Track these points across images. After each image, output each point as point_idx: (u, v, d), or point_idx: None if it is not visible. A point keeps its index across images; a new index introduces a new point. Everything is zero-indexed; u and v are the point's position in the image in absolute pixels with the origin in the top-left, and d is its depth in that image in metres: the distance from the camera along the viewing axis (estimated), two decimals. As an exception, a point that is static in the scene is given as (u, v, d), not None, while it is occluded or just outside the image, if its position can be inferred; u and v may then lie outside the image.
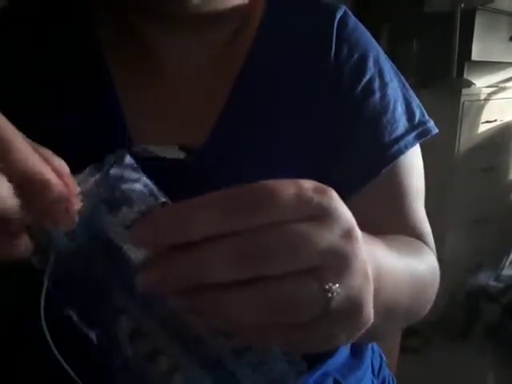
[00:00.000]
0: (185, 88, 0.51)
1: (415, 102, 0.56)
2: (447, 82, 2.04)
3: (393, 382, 0.63)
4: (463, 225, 2.16)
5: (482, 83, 2.16)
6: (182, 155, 0.47)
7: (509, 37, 2.19)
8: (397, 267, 0.39)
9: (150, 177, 0.47)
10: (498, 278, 2.31)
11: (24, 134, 0.47)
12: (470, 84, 2.06)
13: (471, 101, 2.07)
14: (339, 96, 0.52)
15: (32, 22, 0.52)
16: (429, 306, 0.49)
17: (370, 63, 0.53)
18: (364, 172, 0.51)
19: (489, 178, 2.24)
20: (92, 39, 0.51)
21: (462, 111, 2.04)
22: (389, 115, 0.52)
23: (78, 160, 0.47)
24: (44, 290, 0.41)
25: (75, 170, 0.46)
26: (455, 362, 1.88)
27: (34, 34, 0.52)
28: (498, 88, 2.24)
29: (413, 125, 0.53)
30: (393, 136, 0.52)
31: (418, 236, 0.53)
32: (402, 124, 0.53)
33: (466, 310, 2.15)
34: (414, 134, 0.53)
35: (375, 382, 0.58)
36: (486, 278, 2.26)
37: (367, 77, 0.52)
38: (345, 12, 0.55)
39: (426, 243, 0.53)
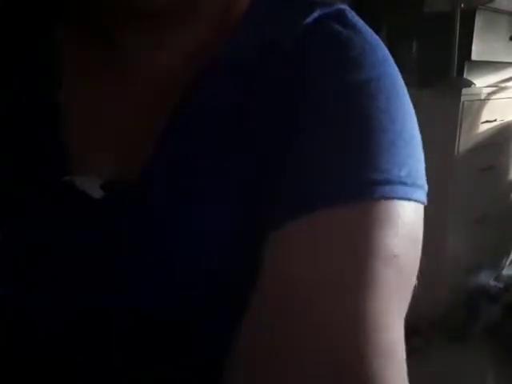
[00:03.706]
0: (130, 110, 0.44)
1: None
2: (447, 82, 2.04)
3: None
4: (463, 225, 2.16)
5: (481, 83, 2.16)
6: (98, 194, 0.41)
7: (509, 37, 2.19)
8: None
9: (71, 211, 0.40)
10: (497, 278, 2.31)
11: None
12: (470, 84, 2.06)
13: (471, 101, 2.07)
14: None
15: None
16: None
17: None
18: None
19: (489, 178, 2.24)
20: (47, 49, 0.45)
21: (462, 111, 2.03)
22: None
23: (11, 183, 0.43)
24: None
25: (10, 190, 0.42)
26: (455, 362, 1.88)
27: None
28: (498, 88, 2.24)
29: None
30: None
31: None
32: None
33: (466, 309, 2.15)
34: None
35: None
36: (486, 278, 2.26)
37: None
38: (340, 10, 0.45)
39: None
